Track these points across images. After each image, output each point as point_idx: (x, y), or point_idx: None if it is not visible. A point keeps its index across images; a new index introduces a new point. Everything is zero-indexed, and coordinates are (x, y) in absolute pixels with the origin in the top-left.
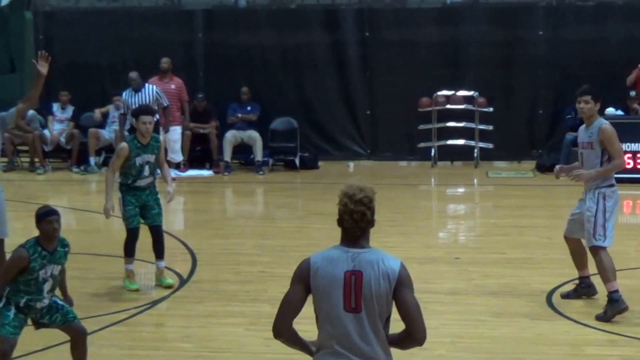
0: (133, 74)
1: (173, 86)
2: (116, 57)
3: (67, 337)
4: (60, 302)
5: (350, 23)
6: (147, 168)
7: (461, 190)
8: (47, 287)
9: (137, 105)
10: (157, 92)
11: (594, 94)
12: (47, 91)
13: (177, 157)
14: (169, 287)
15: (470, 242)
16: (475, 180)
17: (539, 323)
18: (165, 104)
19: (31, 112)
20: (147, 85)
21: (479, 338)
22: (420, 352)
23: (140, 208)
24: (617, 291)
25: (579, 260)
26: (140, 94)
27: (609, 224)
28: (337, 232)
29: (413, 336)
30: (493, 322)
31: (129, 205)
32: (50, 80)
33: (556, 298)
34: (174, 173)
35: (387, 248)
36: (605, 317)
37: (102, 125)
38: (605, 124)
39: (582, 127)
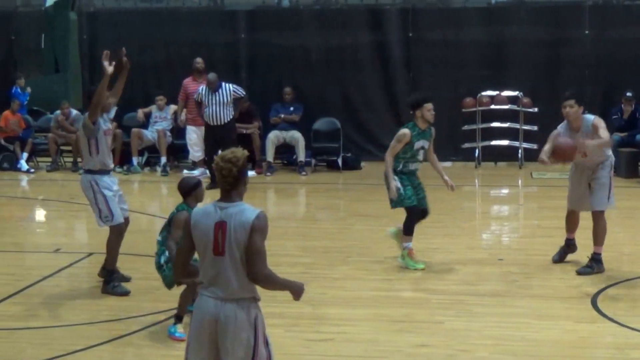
0: (211, 76)
1: None
2: (159, 57)
3: (108, 337)
4: None
5: (394, 23)
6: (421, 153)
7: (505, 191)
8: None
9: (213, 104)
10: (233, 89)
11: (577, 97)
12: (90, 91)
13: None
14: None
15: (513, 244)
16: (520, 181)
17: (583, 326)
18: (243, 94)
19: (75, 112)
20: (223, 84)
21: (522, 341)
22: (462, 355)
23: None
24: (601, 254)
25: (574, 226)
26: (217, 94)
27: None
28: (379, 234)
29: (251, 276)
30: (536, 325)
31: (408, 186)
32: (94, 81)
33: (601, 301)
34: (198, 171)
35: (430, 250)
36: (592, 272)
37: (144, 125)
38: (594, 117)
39: (567, 132)
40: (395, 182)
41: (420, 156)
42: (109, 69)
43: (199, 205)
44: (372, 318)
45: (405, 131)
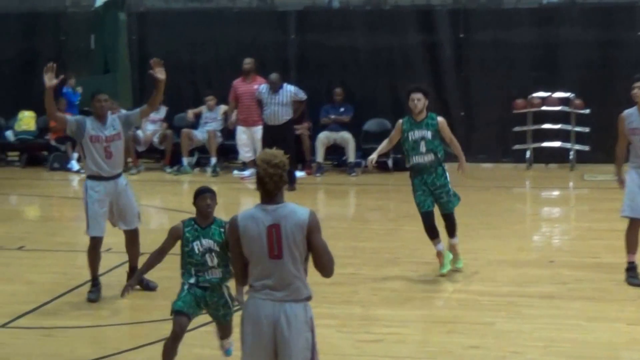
0: (274, 76)
1: (256, 86)
2: (209, 57)
3: (158, 337)
4: None
5: (444, 24)
6: (422, 145)
7: (556, 193)
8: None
9: (273, 104)
10: (294, 91)
11: None
12: (141, 92)
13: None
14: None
15: (564, 246)
16: (571, 184)
17: (635, 328)
18: (303, 98)
19: (124, 111)
20: (285, 85)
21: (573, 342)
22: (513, 356)
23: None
24: None
25: (635, 245)
26: (278, 95)
27: None
28: None
29: (323, 272)
30: (587, 327)
31: (418, 191)
32: (143, 81)
33: None
34: (248, 172)
35: (481, 250)
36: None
37: (194, 125)
38: None
39: (635, 112)
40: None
41: (422, 148)
42: (160, 75)
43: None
44: (422, 319)
45: (399, 121)
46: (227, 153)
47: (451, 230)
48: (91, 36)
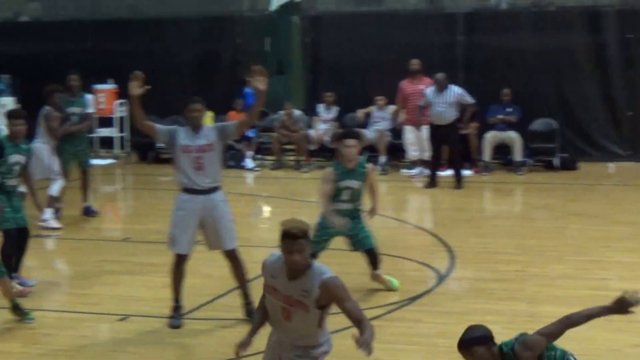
0: (439, 75)
1: (422, 86)
2: (379, 59)
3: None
4: None
5: (612, 24)
6: (347, 193)
7: None
8: None
9: (439, 103)
10: (460, 92)
11: None
12: (313, 92)
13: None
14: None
15: None
16: None
17: None
18: (469, 102)
19: (298, 112)
20: (451, 86)
21: None
22: None
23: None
24: None
25: None
26: (443, 95)
27: None
28: (595, 233)
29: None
30: None
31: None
32: (316, 82)
33: None
34: (416, 170)
35: None
36: None
37: (364, 125)
38: None
39: None
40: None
41: (345, 196)
42: (260, 85)
43: None
44: None
45: (328, 169)
46: (396, 152)
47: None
48: (266, 39)
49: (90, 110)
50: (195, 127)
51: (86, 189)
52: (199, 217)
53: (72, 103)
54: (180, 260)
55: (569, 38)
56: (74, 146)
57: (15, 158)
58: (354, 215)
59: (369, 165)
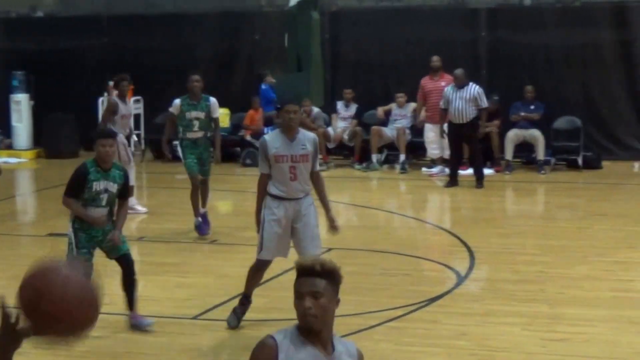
0: (459, 71)
1: (443, 83)
2: (399, 55)
3: (347, 331)
4: None
5: (639, 19)
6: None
7: None
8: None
9: (458, 99)
10: (478, 92)
11: None
12: (332, 89)
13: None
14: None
15: None
16: None
17: None
18: (483, 106)
19: (316, 109)
20: (471, 83)
21: None
22: None
23: None
24: None
25: None
26: (462, 91)
27: None
28: (619, 234)
29: None
30: None
31: None
32: (335, 79)
33: None
34: (436, 169)
35: None
36: None
37: (384, 123)
38: None
39: None
40: None
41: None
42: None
43: None
44: (611, 319)
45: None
46: (416, 150)
47: None
48: (285, 35)
49: (216, 115)
50: (290, 132)
51: (205, 198)
52: (288, 223)
53: (193, 107)
54: (262, 265)
55: (594, 34)
56: (197, 154)
57: (102, 185)
58: None
59: None
